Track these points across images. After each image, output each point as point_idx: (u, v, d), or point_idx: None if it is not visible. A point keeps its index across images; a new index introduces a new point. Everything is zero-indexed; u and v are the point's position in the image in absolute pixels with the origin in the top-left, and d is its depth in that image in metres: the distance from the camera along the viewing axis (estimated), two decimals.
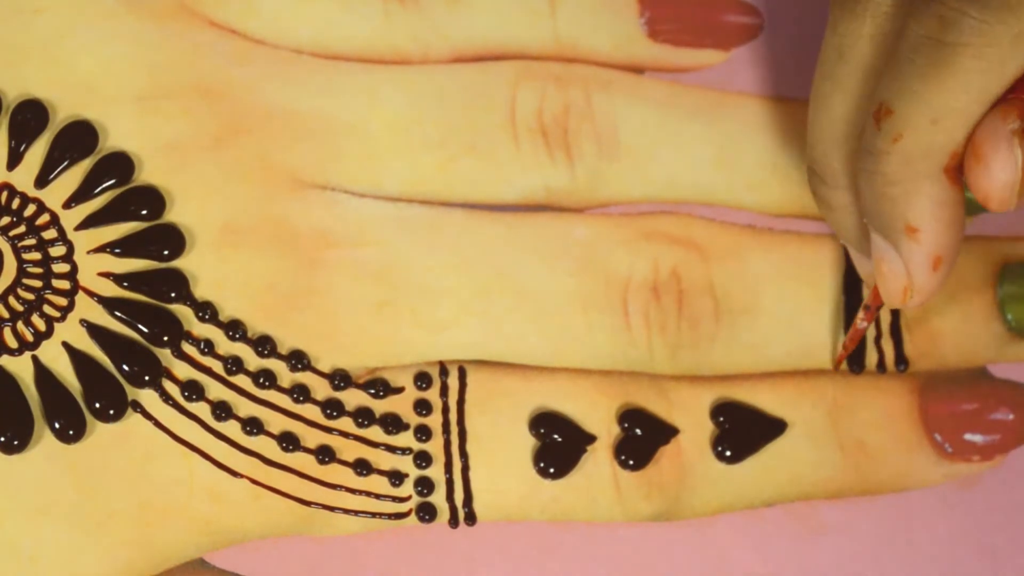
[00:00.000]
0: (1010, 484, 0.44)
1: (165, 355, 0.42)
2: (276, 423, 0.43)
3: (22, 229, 0.43)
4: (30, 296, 0.42)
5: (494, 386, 0.44)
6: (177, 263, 0.43)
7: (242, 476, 0.42)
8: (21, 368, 0.42)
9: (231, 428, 0.42)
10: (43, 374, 0.42)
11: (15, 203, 0.43)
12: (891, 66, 0.37)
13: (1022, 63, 0.35)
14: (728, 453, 0.43)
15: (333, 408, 0.43)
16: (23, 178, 0.43)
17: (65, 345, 0.42)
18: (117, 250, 0.43)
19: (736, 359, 0.44)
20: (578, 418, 0.43)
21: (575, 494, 0.43)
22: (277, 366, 0.43)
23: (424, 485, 0.43)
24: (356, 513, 0.43)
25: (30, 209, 0.43)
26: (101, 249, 0.43)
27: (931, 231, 0.38)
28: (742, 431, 0.44)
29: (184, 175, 0.43)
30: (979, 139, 0.36)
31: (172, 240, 0.43)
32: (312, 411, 0.43)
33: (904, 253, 0.38)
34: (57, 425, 0.42)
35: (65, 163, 0.43)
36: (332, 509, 0.43)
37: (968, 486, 0.44)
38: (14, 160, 0.43)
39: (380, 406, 0.43)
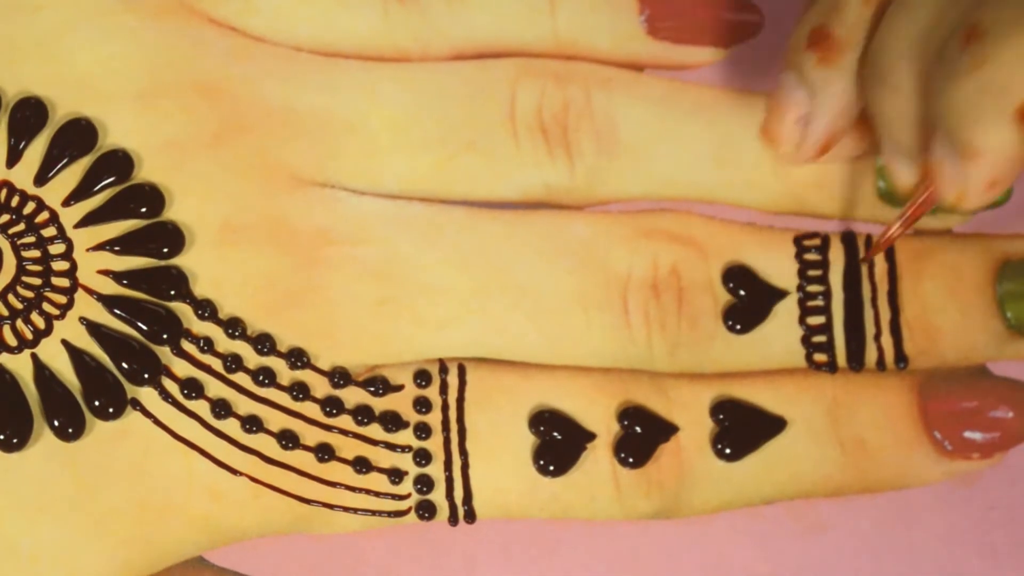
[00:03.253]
0: (1010, 482, 0.44)
1: (164, 353, 0.42)
2: (275, 421, 0.43)
3: (21, 227, 0.43)
4: (29, 294, 0.42)
5: (494, 384, 0.44)
6: (176, 261, 0.43)
7: (241, 474, 0.42)
8: (20, 366, 0.42)
9: (230, 426, 0.42)
10: (42, 372, 0.42)
11: (14, 201, 0.43)
12: None
13: None
14: (728, 451, 0.43)
15: (332, 406, 0.43)
16: (22, 176, 0.43)
17: (64, 343, 0.42)
18: (116, 248, 0.43)
19: (736, 357, 0.44)
20: (578, 416, 0.43)
21: (575, 492, 0.43)
22: (276, 364, 0.43)
23: (424, 483, 0.43)
24: (356, 511, 0.43)
25: (29, 207, 0.43)
26: (100, 247, 0.43)
27: (991, 161, 0.37)
28: (742, 429, 0.44)
29: (183, 173, 0.43)
30: None
31: (171, 238, 0.43)
32: (312, 409, 0.43)
33: (962, 166, 0.38)
34: (56, 423, 0.42)
35: (64, 161, 0.43)
36: (332, 507, 0.43)
37: (968, 484, 0.44)
38: (13, 158, 0.43)
39: (380, 404, 0.43)
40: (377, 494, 0.43)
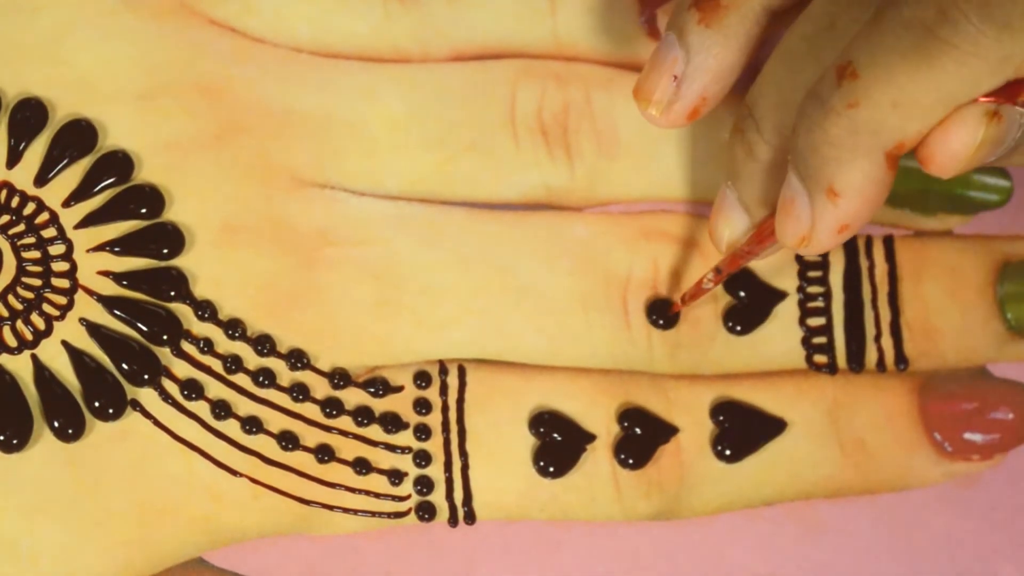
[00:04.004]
0: (1010, 483, 0.44)
1: (164, 354, 0.42)
2: (275, 422, 0.43)
3: (21, 228, 0.43)
4: (29, 295, 0.42)
5: (494, 385, 0.44)
6: (176, 262, 0.43)
7: (241, 475, 0.42)
8: (20, 367, 0.42)
9: (230, 427, 0.42)
10: (42, 373, 0.42)
11: (14, 201, 0.43)
12: (873, 30, 0.35)
13: (998, 83, 0.35)
14: (728, 452, 0.43)
15: (332, 407, 0.43)
16: (23, 176, 0.43)
17: (64, 344, 0.42)
18: (116, 249, 0.43)
19: (736, 358, 0.44)
20: (578, 417, 0.43)
21: (574, 493, 0.43)
22: (276, 365, 0.43)
23: (423, 484, 0.43)
24: (355, 512, 0.43)
25: (29, 207, 0.43)
26: (100, 248, 0.43)
27: (851, 201, 0.37)
28: (742, 430, 0.44)
29: (183, 173, 0.43)
30: None
31: (171, 239, 0.43)
32: (311, 410, 0.43)
33: (816, 208, 0.37)
34: (56, 424, 0.42)
35: (65, 161, 0.43)
36: (331, 508, 0.43)
37: (968, 485, 0.44)
38: (14, 158, 0.43)
39: (379, 405, 0.43)
40: (377, 495, 0.43)
